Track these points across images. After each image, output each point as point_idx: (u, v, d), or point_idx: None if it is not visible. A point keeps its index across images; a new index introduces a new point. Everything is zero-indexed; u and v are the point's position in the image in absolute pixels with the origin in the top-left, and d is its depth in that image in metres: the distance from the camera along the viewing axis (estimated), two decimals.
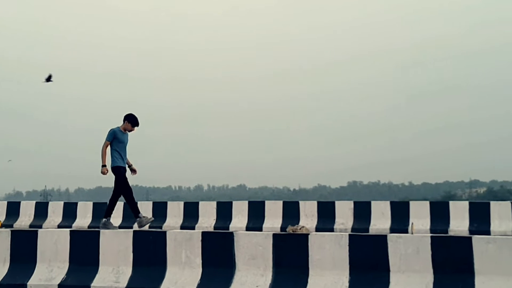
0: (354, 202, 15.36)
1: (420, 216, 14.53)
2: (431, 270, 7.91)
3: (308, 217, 15.30)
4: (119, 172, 10.37)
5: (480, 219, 14.23)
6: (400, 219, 14.57)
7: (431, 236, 8.07)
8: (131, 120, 10.58)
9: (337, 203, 15.39)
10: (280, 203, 15.90)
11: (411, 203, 15.03)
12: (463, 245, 7.85)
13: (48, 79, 10.96)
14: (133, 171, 10.83)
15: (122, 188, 10.43)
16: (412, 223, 13.90)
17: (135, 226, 11.04)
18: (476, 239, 7.83)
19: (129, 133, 10.68)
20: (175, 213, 16.15)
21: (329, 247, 8.40)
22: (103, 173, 10.27)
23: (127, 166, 10.66)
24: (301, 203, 15.65)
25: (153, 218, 11.02)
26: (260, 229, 14.84)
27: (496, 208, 14.27)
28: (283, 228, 14.58)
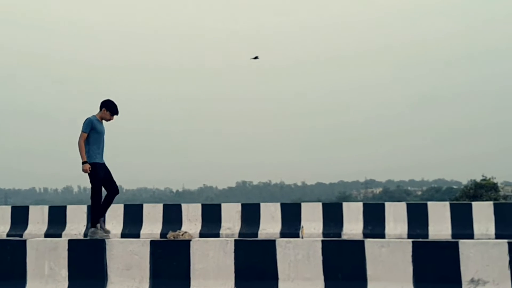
0: (242, 205, 15.46)
1: (312, 218, 14.84)
2: (322, 277, 8.13)
3: (191, 222, 15.27)
4: (94, 170, 9.66)
5: (374, 221, 14.72)
6: (291, 223, 14.82)
7: (322, 241, 8.28)
8: (109, 107, 9.88)
9: (224, 206, 15.45)
10: (160, 206, 15.77)
11: (303, 205, 15.32)
12: (356, 249, 8.13)
13: (255, 57, 10.99)
14: None
15: (96, 188, 9.74)
16: (302, 227, 14.20)
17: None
18: (369, 243, 8.13)
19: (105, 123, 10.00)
20: (38, 219, 15.62)
21: (213, 254, 8.44)
22: (85, 171, 9.53)
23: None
24: (184, 206, 15.59)
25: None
26: (138, 236, 14.64)
27: (391, 209, 14.83)
28: (163, 234, 14.47)
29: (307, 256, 8.20)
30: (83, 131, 9.63)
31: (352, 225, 14.67)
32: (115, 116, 10.03)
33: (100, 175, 9.73)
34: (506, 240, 8.02)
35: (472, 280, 7.83)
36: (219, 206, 15.53)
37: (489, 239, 13.10)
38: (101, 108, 9.92)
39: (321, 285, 8.10)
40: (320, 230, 14.63)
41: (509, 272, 7.78)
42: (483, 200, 25.46)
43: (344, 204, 15.26)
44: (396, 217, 14.64)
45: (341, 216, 14.84)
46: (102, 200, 10.01)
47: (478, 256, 7.87)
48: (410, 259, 7.98)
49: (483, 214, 14.24)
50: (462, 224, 14.19)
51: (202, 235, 14.42)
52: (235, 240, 8.51)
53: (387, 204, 15.12)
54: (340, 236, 14.36)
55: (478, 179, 29.92)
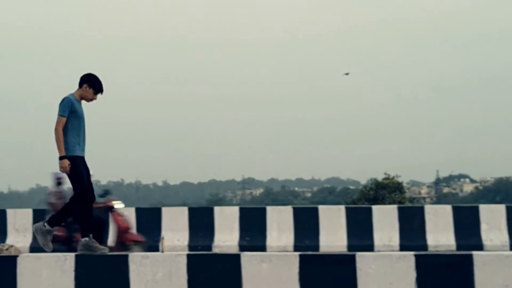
0: None
1: (175, 227, 14.82)
2: None
3: (19, 233, 14.93)
4: (75, 165, 9.09)
5: (254, 230, 14.87)
6: (149, 232, 14.73)
7: (188, 255, 8.26)
8: (93, 84, 9.36)
9: None
10: None
11: (164, 210, 15.27)
12: (230, 265, 8.16)
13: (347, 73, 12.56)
14: None
15: (81, 188, 9.13)
16: (163, 238, 14.15)
17: None
18: (247, 258, 8.17)
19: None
20: None
21: (48, 274, 8.28)
22: (64, 169, 8.95)
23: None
24: (10, 212, 15.23)
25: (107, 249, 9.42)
26: None
27: (275, 215, 15.03)
28: None
29: (168, 274, 8.16)
30: (60, 115, 9.06)
31: (226, 235, 14.77)
32: (99, 95, 9.53)
33: (82, 171, 9.19)
34: (412, 252, 8.28)
35: None
36: None
37: (393, 251, 13.55)
38: (81, 84, 9.40)
39: None
40: (186, 242, 14.66)
41: None
42: (385, 203, 26.31)
43: (216, 209, 15.33)
44: (280, 225, 14.85)
45: (212, 223, 14.91)
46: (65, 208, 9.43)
47: (380, 272, 8.08)
48: (296, 276, 8.09)
49: (385, 221, 14.70)
50: (361, 232, 14.59)
51: (33, 249, 14.11)
52: (76, 256, 8.38)
53: (269, 208, 15.30)
54: (210, 249, 14.43)
55: (380, 178, 30.93)
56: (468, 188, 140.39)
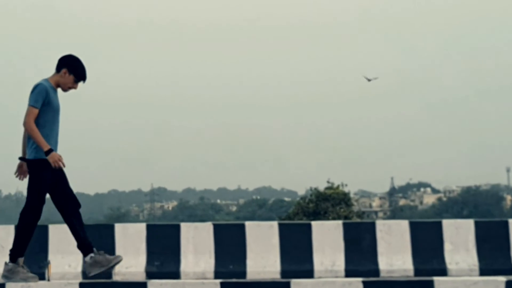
0: None
1: (66, 249, 14.65)
2: None
3: None
4: (41, 170, 9.10)
5: (166, 253, 14.79)
6: (33, 256, 14.54)
7: (81, 284, 8.25)
8: (75, 69, 9.24)
9: None
10: None
11: (51, 228, 15.09)
12: None
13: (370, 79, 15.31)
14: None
15: (39, 199, 9.38)
16: (49, 262, 14.01)
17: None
18: (154, 287, 8.18)
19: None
20: None
21: None
22: (56, 162, 8.99)
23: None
24: None
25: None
26: None
27: (191, 233, 14.97)
28: None
29: None
30: (32, 105, 8.99)
31: (130, 259, 14.68)
32: (80, 84, 9.41)
33: (48, 179, 9.23)
34: (361, 279, 8.38)
35: None
36: None
37: (337, 277, 13.66)
38: (59, 68, 9.29)
39: None
40: (79, 268, 14.55)
41: None
42: (328, 219, 26.50)
43: (117, 226, 15.24)
44: (198, 246, 14.84)
45: (112, 244, 14.81)
46: (68, 223, 9.87)
47: None
48: None
49: (328, 240, 14.78)
50: (297, 255, 14.64)
51: None
52: None
53: (184, 225, 15.26)
54: (110, 276, 14.32)
55: (322, 187, 31.08)
56: (430, 199, 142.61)
